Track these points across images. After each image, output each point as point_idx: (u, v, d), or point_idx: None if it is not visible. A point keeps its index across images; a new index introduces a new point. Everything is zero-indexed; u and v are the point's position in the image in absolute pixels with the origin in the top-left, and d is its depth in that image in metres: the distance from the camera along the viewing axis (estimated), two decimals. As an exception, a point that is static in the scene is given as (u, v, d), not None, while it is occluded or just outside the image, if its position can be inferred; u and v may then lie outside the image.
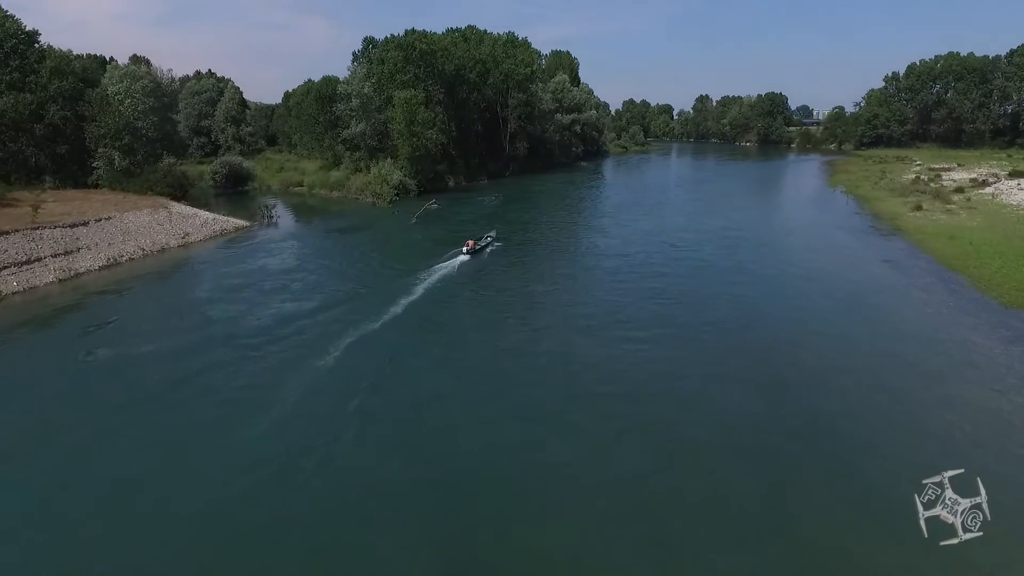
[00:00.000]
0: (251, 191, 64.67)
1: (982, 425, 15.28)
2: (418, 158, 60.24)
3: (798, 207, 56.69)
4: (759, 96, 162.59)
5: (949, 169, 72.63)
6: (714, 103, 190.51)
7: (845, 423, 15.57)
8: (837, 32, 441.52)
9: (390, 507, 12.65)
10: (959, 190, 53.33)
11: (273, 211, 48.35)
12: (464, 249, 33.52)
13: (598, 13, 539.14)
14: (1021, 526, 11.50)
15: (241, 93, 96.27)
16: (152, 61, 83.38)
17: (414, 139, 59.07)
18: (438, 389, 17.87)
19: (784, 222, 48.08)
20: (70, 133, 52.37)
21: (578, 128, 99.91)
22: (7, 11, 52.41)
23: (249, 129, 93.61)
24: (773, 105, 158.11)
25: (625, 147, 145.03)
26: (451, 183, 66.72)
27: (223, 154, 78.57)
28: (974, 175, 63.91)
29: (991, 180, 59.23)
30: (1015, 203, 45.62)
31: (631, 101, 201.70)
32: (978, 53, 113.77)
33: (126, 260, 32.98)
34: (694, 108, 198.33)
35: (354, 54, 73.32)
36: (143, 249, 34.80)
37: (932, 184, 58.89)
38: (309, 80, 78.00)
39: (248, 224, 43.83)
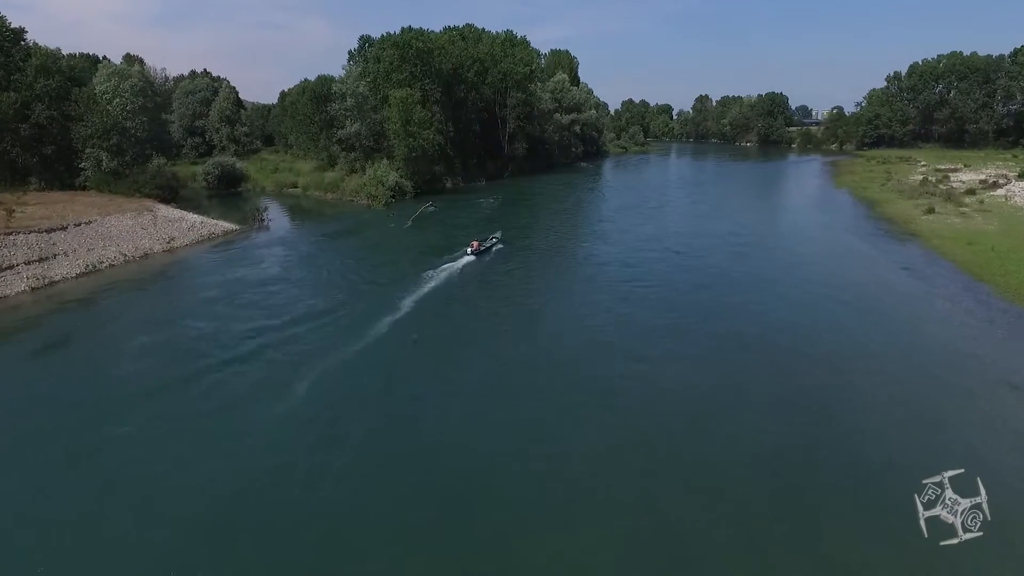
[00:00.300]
0: (244, 193, 63.23)
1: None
2: (414, 159, 58.59)
3: (805, 210, 54.98)
4: (759, 96, 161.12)
5: (956, 170, 71.29)
6: (714, 103, 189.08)
7: (877, 451, 14.13)
8: (837, 32, 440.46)
9: (389, 523, 12.04)
10: (970, 192, 51.99)
11: (264, 214, 46.76)
12: (469, 250, 33.62)
13: (598, 13, 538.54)
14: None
15: (236, 92, 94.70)
16: (147, 60, 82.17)
17: (410, 139, 57.44)
18: (431, 405, 16.49)
19: (792, 226, 46.49)
20: (57, 133, 50.86)
21: (577, 128, 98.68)
22: (-9, 7, 50.85)
23: (244, 129, 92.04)
24: (773, 105, 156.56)
25: (625, 147, 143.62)
26: (448, 184, 65.18)
27: (217, 155, 76.98)
28: (983, 176, 62.58)
29: (1001, 181, 57.89)
30: (1030, 206, 44.29)
31: (630, 101, 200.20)
32: (981, 53, 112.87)
33: (106, 267, 31.33)
34: (694, 108, 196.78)
35: (350, 53, 71.93)
36: (125, 255, 33.14)
37: (941, 186, 57.57)
38: (305, 79, 76.52)
39: (238, 228, 42.22)
